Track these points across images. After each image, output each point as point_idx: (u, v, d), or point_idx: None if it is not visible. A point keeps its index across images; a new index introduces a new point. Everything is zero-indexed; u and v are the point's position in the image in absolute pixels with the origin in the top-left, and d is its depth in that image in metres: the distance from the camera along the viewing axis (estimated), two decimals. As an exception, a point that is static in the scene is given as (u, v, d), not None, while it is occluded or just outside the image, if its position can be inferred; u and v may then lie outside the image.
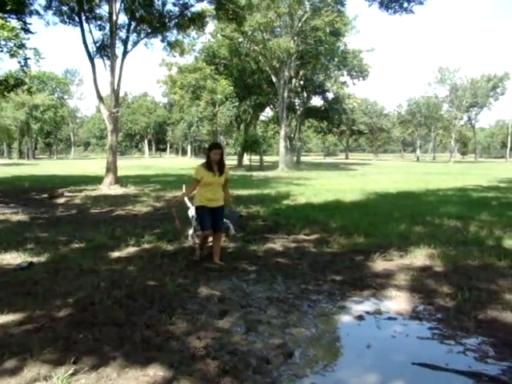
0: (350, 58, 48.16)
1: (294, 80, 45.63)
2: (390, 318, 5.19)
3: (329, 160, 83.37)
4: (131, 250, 8.18)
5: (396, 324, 5.04)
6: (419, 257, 7.73)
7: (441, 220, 11.56)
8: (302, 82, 49.49)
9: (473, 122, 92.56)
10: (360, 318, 5.19)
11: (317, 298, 5.81)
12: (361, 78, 52.96)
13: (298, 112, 52.86)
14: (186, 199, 8.25)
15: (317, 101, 61.99)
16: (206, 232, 7.29)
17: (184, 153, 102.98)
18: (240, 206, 13.71)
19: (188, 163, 53.08)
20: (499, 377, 3.85)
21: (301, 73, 45.89)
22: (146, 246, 8.47)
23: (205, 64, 42.29)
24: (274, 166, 44.87)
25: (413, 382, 3.75)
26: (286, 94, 41.28)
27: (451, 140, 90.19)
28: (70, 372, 3.67)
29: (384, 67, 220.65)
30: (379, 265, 7.32)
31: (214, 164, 7.18)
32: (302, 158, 67.93)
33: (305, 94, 52.40)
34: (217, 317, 5.05)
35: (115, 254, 7.83)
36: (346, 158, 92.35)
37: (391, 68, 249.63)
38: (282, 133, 42.11)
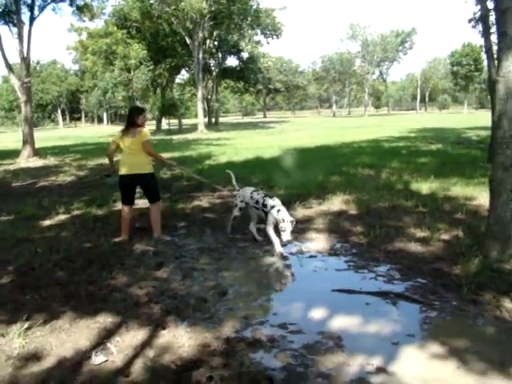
0: (263, 16, 48.20)
1: (208, 41, 45.32)
2: (311, 256, 5.84)
3: (247, 120, 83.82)
4: (62, 217, 8.34)
5: (317, 260, 5.68)
6: (336, 203, 8.42)
7: (355, 169, 12.41)
8: (216, 43, 49.22)
9: (384, 76, 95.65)
10: (284, 258, 5.78)
11: (244, 245, 6.36)
12: (275, 37, 53.19)
13: (214, 73, 52.70)
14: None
15: (232, 61, 61.96)
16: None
17: (100, 121, 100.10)
18: (163, 169, 14.00)
19: (106, 131, 51.91)
20: (403, 293, 4.58)
21: (215, 33, 45.59)
22: (77, 212, 8.64)
23: (116, 28, 41.06)
24: (193, 128, 44.75)
25: (333, 305, 4.35)
26: (201, 56, 41.03)
27: (365, 94, 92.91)
28: (24, 327, 3.95)
29: (297, 25, 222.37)
30: (300, 212, 7.95)
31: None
32: (221, 119, 67.94)
33: (220, 55, 52.22)
34: (154, 268, 5.46)
35: (47, 223, 7.97)
36: (264, 116, 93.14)
37: (304, 25, 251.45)
38: (200, 95, 42.01)
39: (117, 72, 40.75)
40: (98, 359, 3.47)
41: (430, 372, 3.24)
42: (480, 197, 8.31)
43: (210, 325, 4.00)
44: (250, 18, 44.68)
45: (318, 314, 4.22)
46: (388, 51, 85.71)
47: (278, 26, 52.51)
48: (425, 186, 9.56)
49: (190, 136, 36.17)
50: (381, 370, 3.26)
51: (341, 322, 4.01)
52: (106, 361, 3.46)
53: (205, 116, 44.85)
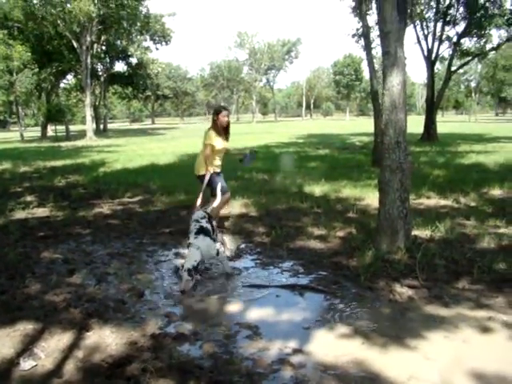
0: (153, 22, 47.84)
1: (96, 45, 44.13)
2: (219, 256, 6.14)
3: (135, 126, 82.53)
4: (-45, 229, 7.99)
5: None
6: (236, 206, 8.81)
7: (250, 174, 12.92)
8: (104, 48, 48.07)
9: (271, 83, 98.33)
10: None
11: (153, 249, 6.54)
12: (164, 43, 53.00)
13: (102, 78, 51.49)
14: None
15: (121, 66, 60.64)
16: (226, 196, 7.22)
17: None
18: (58, 177, 13.70)
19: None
20: (308, 285, 5.06)
21: (103, 38, 44.44)
22: (-29, 223, 8.32)
23: (-5, 27, 38.76)
24: (80, 135, 43.41)
25: (247, 299, 4.71)
26: (89, 60, 39.89)
27: (253, 101, 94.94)
28: None
29: (186, 31, 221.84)
30: (203, 216, 8.22)
31: (221, 128, 6.99)
32: (109, 126, 66.39)
33: (108, 60, 51.15)
34: (66, 275, 5.48)
35: None
36: (153, 123, 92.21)
37: (193, 32, 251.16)
38: (88, 100, 40.85)
39: (-3, 73, 38.44)
40: (26, 364, 3.52)
41: (339, 349, 3.69)
42: (367, 197, 9.09)
43: (133, 324, 4.18)
44: (139, 24, 44.14)
45: (233, 307, 4.56)
46: (275, 60, 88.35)
47: (168, 32, 52.37)
48: (317, 189, 10.26)
49: (79, 143, 35.12)
50: (297, 351, 3.67)
51: (256, 314, 4.38)
52: (36, 365, 3.53)
53: (92, 122, 43.62)
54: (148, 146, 28.44)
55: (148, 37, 51.59)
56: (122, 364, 3.50)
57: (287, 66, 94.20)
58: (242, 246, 6.56)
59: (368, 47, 13.81)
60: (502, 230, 6.80)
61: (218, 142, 6.92)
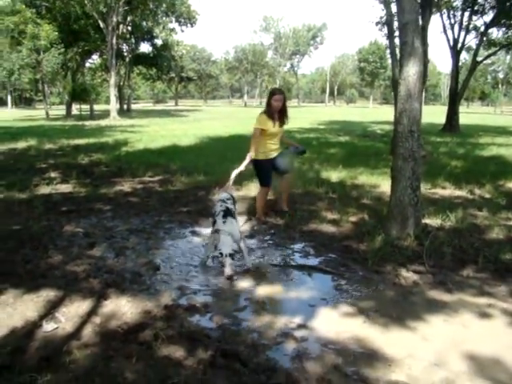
0: (178, 4, 47.94)
1: (121, 26, 44.42)
2: (233, 236, 6.35)
3: (159, 107, 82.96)
4: (-17, 201, 8.31)
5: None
6: (253, 189, 8.98)
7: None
8: (130, 28, 48.33)
9: (295, 68, 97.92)
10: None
11: (170, 227, 6.77)
12: (189, 25, 53.10)
13: (127, 59, 51.85)
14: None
15: (146, 47, 60.91)
16: (267, 188, 7.07)
17: (3, 103, 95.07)
18: (81, 155, 14.03)
19: (11, 115, 49.76)
20: (317, 266, 5.27)
21: (129, 18, 44.77)
22: (-2, 196, 8.64)
23: (24, 6, 39.22)
24: (104, 114, 43.90)
25: (257, 277, 4.92)
26: (114, 41, 40.23)
27: (276, 86, 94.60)
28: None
29: (211, 14, 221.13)
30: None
31: (275, 112, 6.73)
32: (132, 106, 66.90)
33: (133, 41, 51.45)
34: (87, 248, 5.75)
35: (-32, 207, 7.94)
36: (176, 104, 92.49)
37: (218, 15, 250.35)
38: (112, 80, 41.28)
39: (25, 52, 38.90)
40: (49, 327, 3.79)
41: (341, 326, 3.89)
42: (383, 185, 9.21)
43: (148, 295, 4.43)
44: (164, 5, 44.31)
45: (244, 284, 4.77)
46: (299, 45, 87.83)
47: (193, 14, 52.43)
48: (334, 175, 10.41)
49: (102, 122, 35.54)
50: (302, 326, 3.88)
51: (264, 291, 4.60)
52: (57, 328, 3.79)
53: (116, 102, 44.03)
54: (170, 127, 28.69)
55: (173, 18, 51.73)
56: (136, 330, 3.73)
57: (312, 52, 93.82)
58: (256, 227, 6.76)
59: (391, 36, 13.78)
60: (512, 222, 6.90)
61: (269, 126, 6.67)
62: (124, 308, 4.14)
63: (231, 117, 43.50)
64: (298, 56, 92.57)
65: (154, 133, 23.14)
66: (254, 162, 6.83)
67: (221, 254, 4.73)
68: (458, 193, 9.06)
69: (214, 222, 5.29)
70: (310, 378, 3.17)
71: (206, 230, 6.50)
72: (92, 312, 4.06)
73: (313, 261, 5.46)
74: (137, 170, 11.07)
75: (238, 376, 3.18)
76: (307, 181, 9.70)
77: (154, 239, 6.20)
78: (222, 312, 4.11)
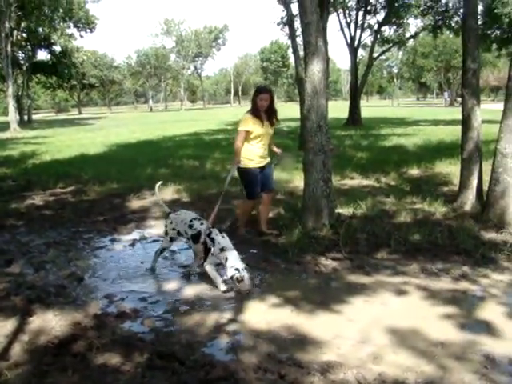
0: (76, 9, 46.36)
1: (16, 32, 42.31)
2: (154, 241, 6.39)
3: (62, 116, 79.94)
4: None
5: (159, 244, 6.18)
6: (168, 193, 9.00)
7: (181, 161, 13.12)
8: (25, 35, 46.19)
9: (199, 71, 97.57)
10: (132, 244, 6.27)
11: (89, 237, 6.67)
12: (88, 30, 51.50)
13: (24, 67, 49.57)
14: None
15: (44, 55, 58.44)
16: (253, 201, 6.33)
17: None
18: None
19: None
20: None
21: (23, 24, 42.72)
22: None
23: None
24: (4, 126, 41.62)
25: (182, 279, 5.01)
26: (9, 48, 38.28)
27: (181, 89, 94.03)
28: None
29: (111, 19, 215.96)
30: (135, 203, 8.43)
31: (262, 111, 5.99)
32: (34, 116, 64.09)
33: (30, 48, 49.24)
34: (4, 266, 5.53)
35: None
36: (80, 113, 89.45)
37: (119, 19, 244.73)
38: (10, 91, 39.19)
39: None
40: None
41: (271, 316, 4.06)
42: (295, 179, 9.51)
43: (75, 307, 4.36)
44: (61, 10, 42.67)
45: (171, 286, 4.83)
46: (202, 47, 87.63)
47: (92, 19, 50.89)
48: (247, 174, 10.59)
49: (2, 135, 33.71)
50: (232, 321, 4.02)
51: (192, 291, 4.68)
52: (-19, 351, 3.66)
53: (16, 113, 41.99)
54: (76, 136, 27.78)
55: (71, 24, 49.93)
56: (68, 343, 3.68)
57: (215, 53, 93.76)
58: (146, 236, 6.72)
59: (292, 35, 14.24)
60: (417, 206, 7.40)
61: (256, 127, 5.90)
62: (52, 322, 4.06)
63: (138, 122, 42.72)
64: (201, 58, 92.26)
65: (59, 143, 22.33)
66: (240, 170, 6.07)
67: (237, 269, 4.44)
68: (365, 182, 9.55)
69: (205, 243, 4.85)
70: (247, 368, 3.29)
71: (127, 237, 6.48)
72: (18, 330, 3.94)
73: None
74: (47, 183, 10.71)
75: (177, 375, 3.24)
76: (220, 181, 9.81)
77: (73, 251, 6.09)
78: (153, 315, 4.16)
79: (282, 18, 24.09)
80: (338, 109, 34.20)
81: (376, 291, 4.52)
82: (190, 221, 5.10)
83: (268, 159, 6.20)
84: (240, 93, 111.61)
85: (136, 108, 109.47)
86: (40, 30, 45.36)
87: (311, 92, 5.93)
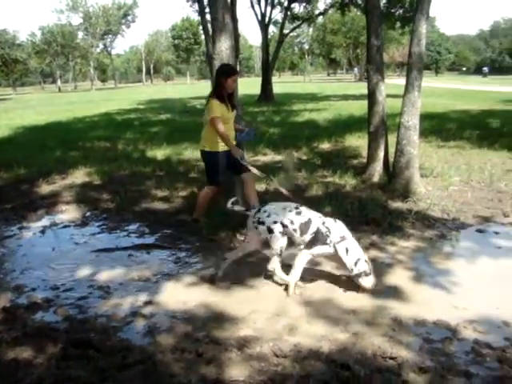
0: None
1: None
2: (65, 226, 6.20)
3: (-40, 99, 75.32)
4: None
5: (71, 229, 6.07)
6: (79, 176, 8.74)
7: (92, 143, 12.73)
8: None
9: (109, 49, 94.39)
10: (42, 231, 6.04)
11: (-6, 226, 6.35)
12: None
13: None
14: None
15: None
16: (217, 187, 5.83)
17: None
18: None
19: None
20: (154, 243, 5.44)
21: None
22: None
23: None
24: None
25: (97, 264, 4.90)
26: None
27: (90, 68, 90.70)
28: None
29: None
30: (45, 188, 8.08)
31: (226, 95, 5.56)
32: None
33: None
34: None
35: None
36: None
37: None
38: None
39: None
40: None
41: (187, 296, 4.08)
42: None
43: (-18, 301, 4.17)
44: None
45: (84, 272, 4.70)
46: (111, 24, 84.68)
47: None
48: (159, 153, 10.53)
49: None
50: (148, 303, 3.99)
51: (107, 276, 4.59)
52: None
53: None
54: (-24, 119, 26.24)
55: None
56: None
57: (124, 31, 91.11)
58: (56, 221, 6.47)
59: (202, 12, 14.02)
60: (328, 179, 7.64)
61: (224, 111, 5.54)
62: (-45, 320, 3.86)
63: (45, 103, 40.87)
64: (110, 36, 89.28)
65: (-42, 128, 21.01)
66: (209, 154, 5.68)
67: (367, 261, 4.08)
68: (278, 157, 9.69)
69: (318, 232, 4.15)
70: (165, 350, 3.29)
71: (38, 224, 6.24)
72: None
73: (149, 239, 5.57)
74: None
75: (94, 362, 3.17)
76: (133, 162, 9.67)
77: (-24, 241, 5.78)
78: (66, 304, 4.04)
79: (193, -7, 23.71)
80: (251, 85, 34.28)
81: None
82: (296, 208, 4.31)
83: (234, 142, 5.72)
84: (152, 71, 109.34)
85: (43, 88, 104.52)
86: None
87: (219, 69, 5.89)
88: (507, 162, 9.08)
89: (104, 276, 4.58)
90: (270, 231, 4.13)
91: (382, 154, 7.42)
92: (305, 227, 4.12)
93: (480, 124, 14.08)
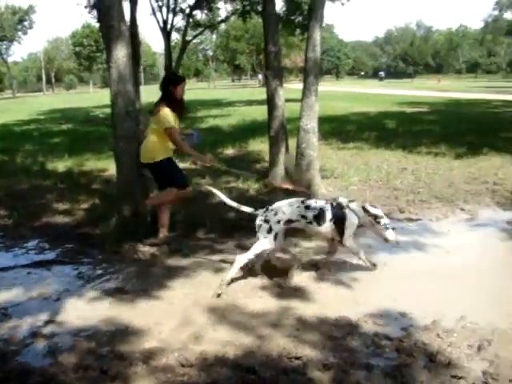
0: None
1: None
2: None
3: None
4: None
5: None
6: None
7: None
8: None
9: (5, 56, 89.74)
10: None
11: None
12: None
13: None
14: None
15: None
16: (187, 189, 5.60)
17: None
18: None
19: None
20: (55, 259, 5.24)
21: None
22: None
23: None
24: None
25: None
26: None
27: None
28: None
29: None
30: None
31: (177, 103, 5.50)
32: None
33: None
34: None
35: None
36: None
37: None
38: None
39: None
40: None
41: (90, 312, 3.96)
42: (111, 168, 9.24)
43: None
44: None
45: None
46: (6, 29, 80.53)
47: None
48: (61, 165, 10.19)
49: None
50: (49, 322, 3.82)
51: (4, 297, 4.34)
52: None
53: None
54: None
55: None
56: None
57: (21, 37, 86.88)
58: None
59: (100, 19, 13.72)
60: (232, 184, 7.78)
61: (176, 122, 5.44)
62: None
63: None
64: (5, 42, 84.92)
65: None
66: (164, 161, 5.44)
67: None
68: (182, 165, 9.58)
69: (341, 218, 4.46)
70: (67, 369, 3.17)
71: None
72: None
73: (50, 255, 5.38)
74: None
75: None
76: (32, 175, 9.28)
77: None
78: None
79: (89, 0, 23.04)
80: (155, 93, 33.85)
81: (195, 271, 4.67)
82: (302, 202, 4.47)
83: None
84: (53, 79, 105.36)
85: None
86: None
87: (117, 78, 5.77)
88: (402, 160, 9.63)
89: (0, 297, 4.34)
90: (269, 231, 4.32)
91: (282, 157, 7.59)
92: (321, 218, 4.40)
93: (377, 125, 14.82)
